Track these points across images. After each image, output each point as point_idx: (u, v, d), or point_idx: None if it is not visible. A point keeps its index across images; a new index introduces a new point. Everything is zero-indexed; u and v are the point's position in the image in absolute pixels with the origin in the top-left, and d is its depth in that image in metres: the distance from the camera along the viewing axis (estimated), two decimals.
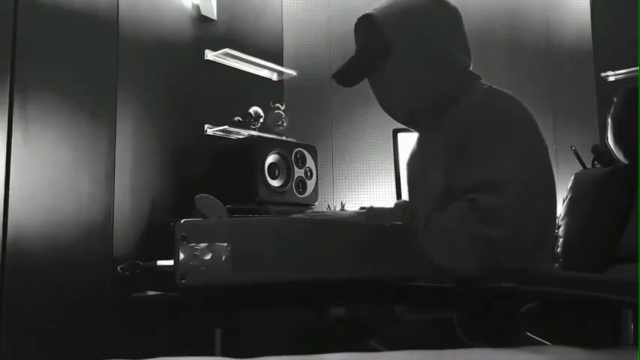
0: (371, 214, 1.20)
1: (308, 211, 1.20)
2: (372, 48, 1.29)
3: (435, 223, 1.12)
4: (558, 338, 0.87)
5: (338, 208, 3.02)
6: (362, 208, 1.36)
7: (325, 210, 1.34)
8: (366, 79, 1.37)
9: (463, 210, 1.11)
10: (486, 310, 0.95)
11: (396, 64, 1.26)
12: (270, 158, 2.67)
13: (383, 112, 1.40)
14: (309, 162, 2.83)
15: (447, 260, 1.06)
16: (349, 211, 1.25)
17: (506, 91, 1.26)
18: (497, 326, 0.94)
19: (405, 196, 2.54)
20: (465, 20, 1.33)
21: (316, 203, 2.85)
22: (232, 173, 2.68)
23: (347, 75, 1.35)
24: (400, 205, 1.20)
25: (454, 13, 1.31)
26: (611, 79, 3.07)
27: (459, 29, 1.31)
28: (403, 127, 2.84)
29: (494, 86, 1.28)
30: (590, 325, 1.01)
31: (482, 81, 1.31)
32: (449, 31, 1.29)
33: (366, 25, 1.31)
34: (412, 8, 1.28)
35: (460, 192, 1.15)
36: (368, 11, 1.31)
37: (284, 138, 2.90)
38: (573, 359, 0.78)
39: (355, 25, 1.34)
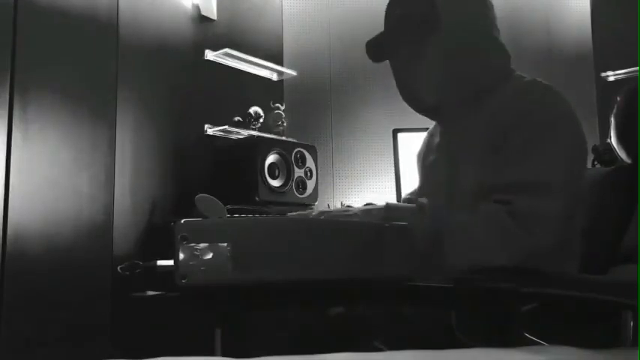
0: (389, 213, 1.10)
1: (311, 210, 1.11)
2: (418, 20, 1.18)
3: (463, 227, 1.04)
4: (558, 339, 0.87)
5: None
6: (348, 205, 1.28)
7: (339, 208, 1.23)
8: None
9: (497, 214, 1.03)
10: (486, 310, 0.95)
11: (444, 43, 1.16)
12: (270, 158, 2.67)
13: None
14: (309, 162, 2.83)
15: (472, 265, 0.99)
16: (365, 210, 1.14)
17: (548, 83, 1.16)
18: (496, 326, 0.94)
19: (404, 193, 2.48)
20: None
21: (316, 203, 2.85)
22: (232, 173, 2.68)
23: (380, 48, 1.25)
24: (422, 205, 1.11)
25: (491, 3, 1.24)
26: (611, 79, 3.07)
27: (496, 18, 1.23)
28: (403, 127, 2.82)
29: (538, 78, 1.19)
30: (590, 326, 1.01)
31: (518, 72, 1.23)
32: (494, 18, 1.22)
33: None
34: None
35: (489, 190, 1.07)
36: None
37: (284, 138, 2.90)
38: (573, 359, 0.78)
39: None
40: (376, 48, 1.27)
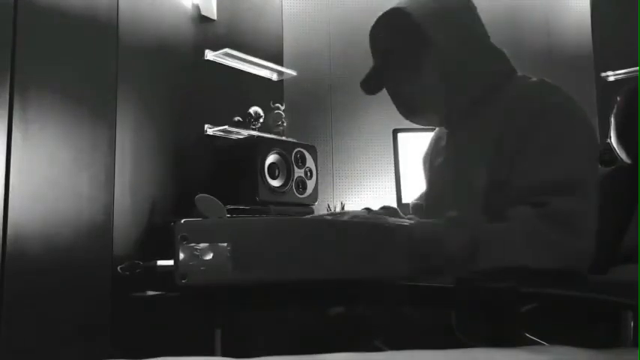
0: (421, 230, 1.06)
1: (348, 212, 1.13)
2: (406, 45, 1.20)
3: (500, 235, 1.01)
4: (558, 339, 0.87)
5: (338, 208, 3.02)
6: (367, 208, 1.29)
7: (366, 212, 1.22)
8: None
9: (529, 218, 1.01)
10: (486, 310, 0.95)
11: (437, 60, 1.17)
12: (270, 158, 2.67)
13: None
14: (309, 162, 2.83)
15: (510, 269, 0.97)
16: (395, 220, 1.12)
17: (551, 81, 1.16)
18: (496, 326, 0.94)
19: (407, 197, 2.48)
20: None
21: (316, 203, 2.85)
22: (232, 173, 2.68)
23: (374, 81, 1.27)
24: (452, 218, 1.07)
25: (474, 5, 1.24)
26: (611, 79, 3.08)
27: (481, 19, 1.23)
28: (403, 127, 2.82)
29: (545, 79, 1.18)
30: (591, 326, 1.01)
31: (520, 73, 1.23)
32: (482, 22, 1.22)
33: (397, 20, 1.19)
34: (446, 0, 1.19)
35: (519, 194, 1.05)
36: (398, 5, 1.19)
37: (284, 138, 2.90)
38: (573, 359, 0.78)
39: (380, 21, 1.23)
40: (370, 83, 1.28)
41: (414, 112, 1.28)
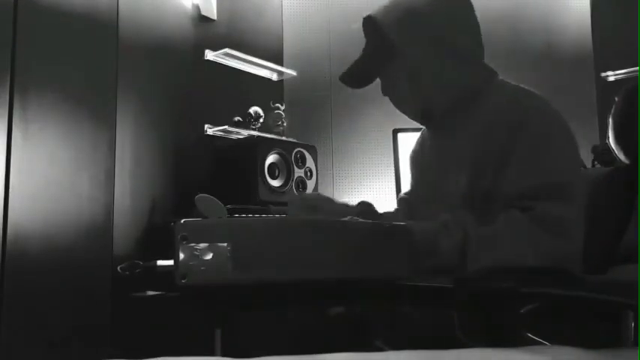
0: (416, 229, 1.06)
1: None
2: (376, 50, 1.26)
3: (490, 240, 1.02)
4: (558, 339, 0.87)
5: None
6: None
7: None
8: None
9: (519, 221, 1.02)
10: (486, 310, 0.95)
11: (403, 65, 1.21)
12: (270, 158, 2.67)
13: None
14: (309, 162, 2.83)
15: (499, 273, 0.98)
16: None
17: (531, 89, 1.18)
18: (497, 326, 0.94)
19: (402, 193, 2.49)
20: None
21: None
22: (232, 173, 2.68)
23: (354, 77, 1.31)
24: (446, 221, 1.07)
25: (464, 3, 1.23)
26: (611, 79, 3.07)
27: (469, 21, 1.23)
28: (403, 127, 2.82)
29: (521, 85, 1.20)
30: (591, 326, 1.01)
31: (500, 77, 1.24)
32: (460, 25, 1.22)
33: (368, 26, 1.27)
34: (417, 4, 1.20)
35: (507, 199, 1.06)
36: (371, 12, 1.25)
37: (284, 138, 2.90)
38: (573, 359, 0.78)
39: (362, 26, 1.30)
40: (352, 76, 1.32)
41: (398, 106, 1.31)
